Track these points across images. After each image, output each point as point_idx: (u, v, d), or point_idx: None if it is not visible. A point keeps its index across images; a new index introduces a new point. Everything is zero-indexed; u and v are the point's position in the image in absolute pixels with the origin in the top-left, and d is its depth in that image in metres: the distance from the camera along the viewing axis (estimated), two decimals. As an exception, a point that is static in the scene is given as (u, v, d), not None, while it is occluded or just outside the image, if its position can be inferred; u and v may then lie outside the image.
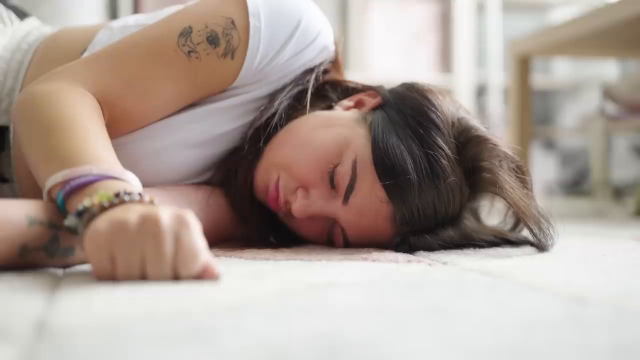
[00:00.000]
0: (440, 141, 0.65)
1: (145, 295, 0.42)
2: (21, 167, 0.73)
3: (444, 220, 0.67)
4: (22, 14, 0.82)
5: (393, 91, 0.73)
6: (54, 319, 0.36)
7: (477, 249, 0.69)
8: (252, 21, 0.66)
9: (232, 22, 0.65)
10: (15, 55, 0.75)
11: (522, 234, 0.73)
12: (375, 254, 0.62)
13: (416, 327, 0.35)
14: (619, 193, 2.22)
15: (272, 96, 0.72)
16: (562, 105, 2.81)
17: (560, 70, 2.79)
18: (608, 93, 2.03)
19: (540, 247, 0.67)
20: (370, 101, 0.73)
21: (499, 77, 2.56)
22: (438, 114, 0.67)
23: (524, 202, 0.66)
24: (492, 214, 0.77)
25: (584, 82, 2.75)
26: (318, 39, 0.70)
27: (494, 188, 0.67)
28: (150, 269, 0.44)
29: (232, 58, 0.66)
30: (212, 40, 0.65)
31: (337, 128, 0.68)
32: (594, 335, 0.33)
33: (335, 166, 0.66)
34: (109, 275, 0.45)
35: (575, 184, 2.71)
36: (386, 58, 2.51)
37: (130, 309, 0.38)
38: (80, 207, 0.48)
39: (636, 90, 1.92)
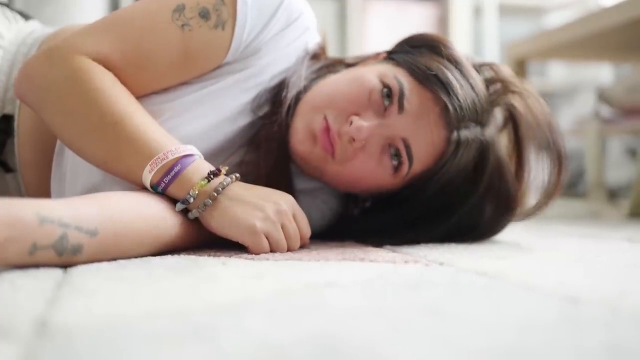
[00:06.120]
0: (459, 54, 0.74)
1: (146, 295, 0.42)
2: (25, 155, 0.74)
3: (482, 119, 0.73)
4: (26, 17, 0.85)
5: (395, 44, 0.79)
6: (55, 318, 0.36)
7: (474, 243, 0.70)
8: None
9: (222, 0, 0.70)
10: (21, 48, 0.78)
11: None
12: (373, 255, 0.63)
13: (413, 328, 0.35)
14: (613, 195, 2.24)
15: (287, 73, 0.76)
16: (558, 107, 2.82)
17: (555, 74, 2.81)
18: (603, 96, 2.04)
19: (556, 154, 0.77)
20: (378, 57, 0.79)
21: (495, 79, 2.56)
22: (448, 41, 0.76)
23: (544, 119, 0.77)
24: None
25: (579, 85, 2.77)
26: (301, 19, 0.75)
27: (517, 98, 0.76)
28: (290, 242, 0.65)
29: (223, 29, 0.70)
30: (204, 15, 0.69)
31: (365, 67, 0.75)
32: (588, 336, 0.33)
33: (381, 86, 0.70)
34: (265, 250, 0.63)
35: (571, 186, 2.73)
36: (383, 60, 2.52)
37: (130, 308, 0.38)
38: (189, 197, 0.63)
39: (630, 94, 1.93)
